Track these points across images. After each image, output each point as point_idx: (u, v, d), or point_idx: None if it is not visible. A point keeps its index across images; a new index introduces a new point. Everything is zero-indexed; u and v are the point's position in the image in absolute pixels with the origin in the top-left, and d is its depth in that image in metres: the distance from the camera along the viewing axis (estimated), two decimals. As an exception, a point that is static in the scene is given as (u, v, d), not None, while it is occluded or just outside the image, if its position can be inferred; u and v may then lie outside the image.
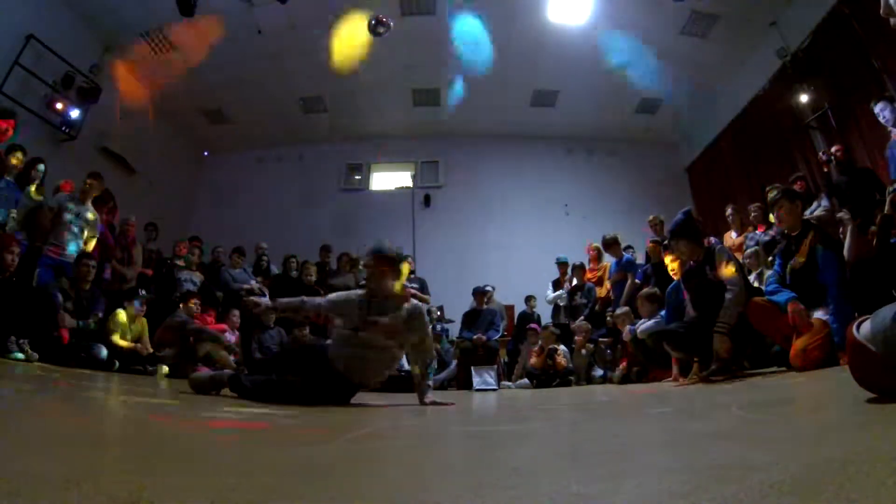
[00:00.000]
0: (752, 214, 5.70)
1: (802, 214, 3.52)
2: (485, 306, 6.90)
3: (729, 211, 6.24)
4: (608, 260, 6.79)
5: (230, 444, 1.28)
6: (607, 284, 6.65)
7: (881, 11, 4.14)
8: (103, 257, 5.37)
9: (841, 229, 3.99)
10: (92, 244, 5.03)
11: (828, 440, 0.88)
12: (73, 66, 6.88)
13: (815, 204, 5.16)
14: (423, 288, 7.15)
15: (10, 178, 4.59)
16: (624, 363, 5.38)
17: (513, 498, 0.62)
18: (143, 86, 8.35)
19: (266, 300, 3.61)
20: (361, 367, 2.74)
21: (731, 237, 6.01)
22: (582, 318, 6.42)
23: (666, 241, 5.96)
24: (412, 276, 7.24)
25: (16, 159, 4.59)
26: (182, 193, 10.03)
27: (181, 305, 5.22)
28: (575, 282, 6.95)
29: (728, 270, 3.24)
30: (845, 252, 3.44)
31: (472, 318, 6.75)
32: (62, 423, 1.36)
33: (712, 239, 5.19)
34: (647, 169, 10.04)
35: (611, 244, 6.55)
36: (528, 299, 7.58)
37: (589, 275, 6.96)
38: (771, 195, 4.42)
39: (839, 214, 4.20)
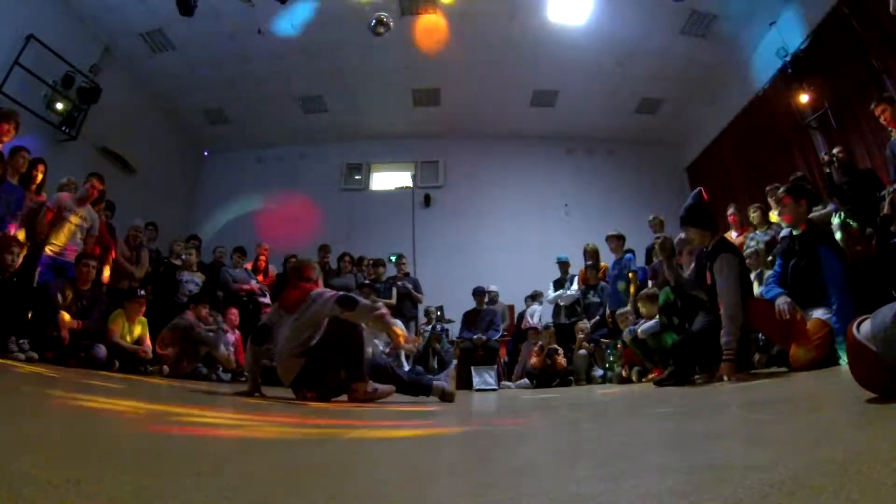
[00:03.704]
0: (752, 214, 5.68)
1: (809, 213, 3.50)
2: (485, 306, 6.89)
3: (729, 211, 6.23)
4: (606, 260, 6.76)
5: (230, 444, 1.28)
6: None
7: (891, 9, 4.11)
8: (103, 258, 5.36)
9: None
10: (91, 245, 5.02)
11: (828, 440, 0.88)
12: (73, 66, 6.88)
13: (820, 206, 5.12)
14: (417, 287, 7.15)
15: (14, 180, 4.58)
16: (625, 363, 5.38)
17: (513, 498, 0.62)
18: (143, 85, 8.35)
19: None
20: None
21: (731, 237, 5.99)
22: (598, 317, 6.36)
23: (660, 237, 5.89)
24: (406, 276, 7.25)
25: (22, 158, 4.58)
26: (182, 193, 10.03)
27: (191, 307, 5.23)
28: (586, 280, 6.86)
29: (725, 303, 3.19)
30: None
31: (472, 318, 6.75)
32: (63, 424, 1.36)
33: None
34: (647, 169, 10.05)
35: (612, 238, 6.45)
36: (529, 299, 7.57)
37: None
38: (778, 191, 4.38)
39: (830, 219, 4.18)
